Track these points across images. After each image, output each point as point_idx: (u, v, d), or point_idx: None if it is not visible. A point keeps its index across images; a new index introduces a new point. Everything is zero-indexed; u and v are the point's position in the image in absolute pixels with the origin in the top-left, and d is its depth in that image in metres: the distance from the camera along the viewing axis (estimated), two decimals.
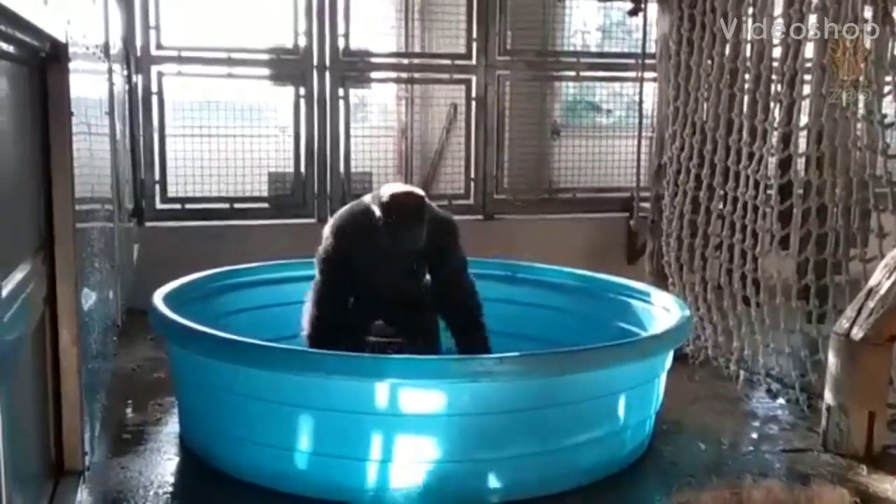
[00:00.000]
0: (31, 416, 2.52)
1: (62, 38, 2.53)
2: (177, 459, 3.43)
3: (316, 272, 3.80)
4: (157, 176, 5.86)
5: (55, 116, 2.65)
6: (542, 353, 3.25)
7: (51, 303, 2.71)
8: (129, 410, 3.94)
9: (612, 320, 4.17)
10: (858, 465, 3.41)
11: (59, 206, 2.69)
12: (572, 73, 6.70)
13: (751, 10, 4.42)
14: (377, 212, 3.55)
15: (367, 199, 3.74)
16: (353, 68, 6.14)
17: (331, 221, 3.82)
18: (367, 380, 2.97)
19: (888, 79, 3.57)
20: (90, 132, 3.27)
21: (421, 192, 3.77)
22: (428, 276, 3.84)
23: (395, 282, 3.76)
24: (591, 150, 6.69)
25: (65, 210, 2.70)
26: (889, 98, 3.55)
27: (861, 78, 3.67)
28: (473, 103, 6.35)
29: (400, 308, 3.84)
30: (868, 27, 3.63)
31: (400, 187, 3.76)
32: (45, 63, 2.59)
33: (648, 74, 5.65)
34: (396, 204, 3.53)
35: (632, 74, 6.31)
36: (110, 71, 4.18)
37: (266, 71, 6.08)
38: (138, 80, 5.72)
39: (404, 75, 6.64)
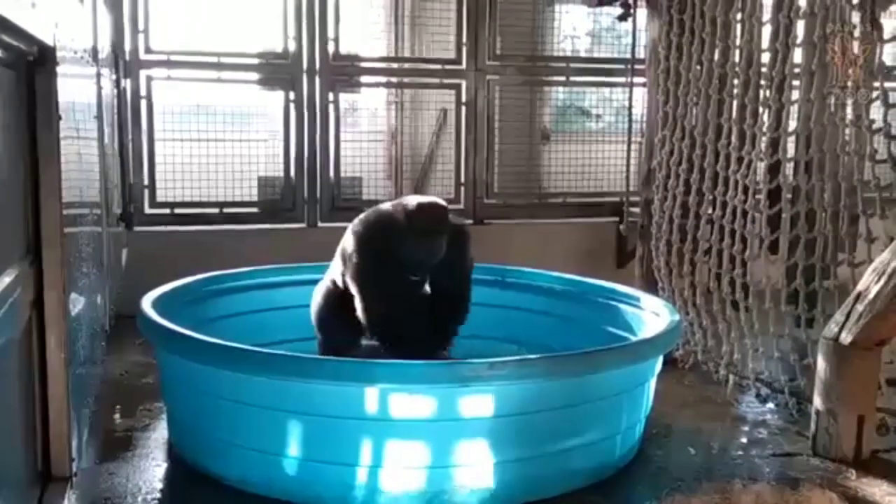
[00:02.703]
0: (18, 422, 2.51)
1: (50, 42, 2.52)
2: (165, 465, 3.41)
3: (357, 289, 3.71)
4: (146, 180, 5.84)
5: (43, 120, 2.63)
6: (532, 358, 3.25)
7: (38, 308, 2.69)
8: (117, 416, 3.92)
9: (601, 325, 4.17)
10: (847, 469, 3.42)
11: (47, 210, 2.67)
12: (562, 78, 6.71)
13: (739, 16, 4.44)
14: (402, 222, 3.55)
15: (386, 207, 3.75)
16: (343, 73, 6.13)
17: (358, 232, 3.75)
18: (356, 384, 2.96)
19: (876, 84, 3.58)
20: (78, 136, 3.25)
21: (444, 202, 3.81)
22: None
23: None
24: (580, 155, 6.70)
25: (52, 214, 2.68)
26: (877, 103, 3.57)
27: (850, 83, 3.68)
28: (463, 108, 6.36)
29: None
30: (857, 33, 3.65)
31: (425, 198, 3.80)
32: (32, 67, 2.57)
33: (638, 79, 5.66)
34: (426, 216, 3.56)
35: (621, 80, 6.32)
36: (99, 75, 4.16)
37: (255, 75, 6.07)
38: (127, 84, 5.71)
39: (394, 80, 6.65)
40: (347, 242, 3.76)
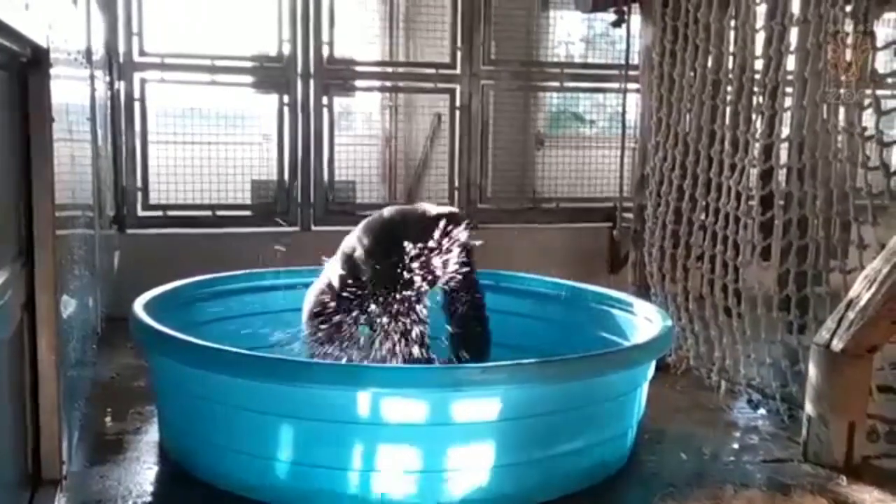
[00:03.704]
0: (8, 425, 2.50)
1: (43, 44, 2.52)
2: (156, 468, 3.40)
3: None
4: (139, 183, 5.84)
5: (36, 122, 2.63)
6: (525, 363, 3.25)
7: (29, 310, 2.68)
8: (108, 419, 3.90)
9: (594, 330, 4.18)
10: (838, 475, 3.43)
11: (39, 212, 2.67)
12: (556, 84, 6.72)
13: (733, 23, 4.45)
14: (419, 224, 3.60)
15: (392, 214, 3.76)
16: (338, 76, 6.14)
17: (376, 226, 3.76)
18: (348, 388, 2.96)
19: (868, 91, 3.60)
20: (71, 138, 3.25)
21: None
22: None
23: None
24: (574, 160, 6.72)
25: (45, 216, 2.67)
26: (869, 111, 3.58)
27: (843, 90, 3.70)
28: (458, 112, 6.37)
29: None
30: (849, 40, 3.66)
31: (441, 207, 3.83)
32: (25, 68, 2.57)
33: (632, 85, 5.68)
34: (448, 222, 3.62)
35: (615, 85, 6.35)
36: (92, 77, 4.16)
37: (250, 78, 6.07)
38: (121, 86, 5.70)
39: (388, 84, 6.65)
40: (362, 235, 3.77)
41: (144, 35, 5.73)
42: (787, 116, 4.17)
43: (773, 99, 4.17)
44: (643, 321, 3.91)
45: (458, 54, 6.30)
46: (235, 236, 5.92)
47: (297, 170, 6.07)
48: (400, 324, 3.70)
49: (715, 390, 4.43)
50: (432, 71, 6.40)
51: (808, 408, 3.58)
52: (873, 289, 3.37)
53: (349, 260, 3.75)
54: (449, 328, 3.91)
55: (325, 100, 6.06)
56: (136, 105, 5.77)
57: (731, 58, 4.47)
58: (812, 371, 3.57)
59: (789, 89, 4.13)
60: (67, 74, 3.12)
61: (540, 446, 3.12)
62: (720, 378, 4.44)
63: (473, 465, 3.04)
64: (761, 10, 4.29)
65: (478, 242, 3.87)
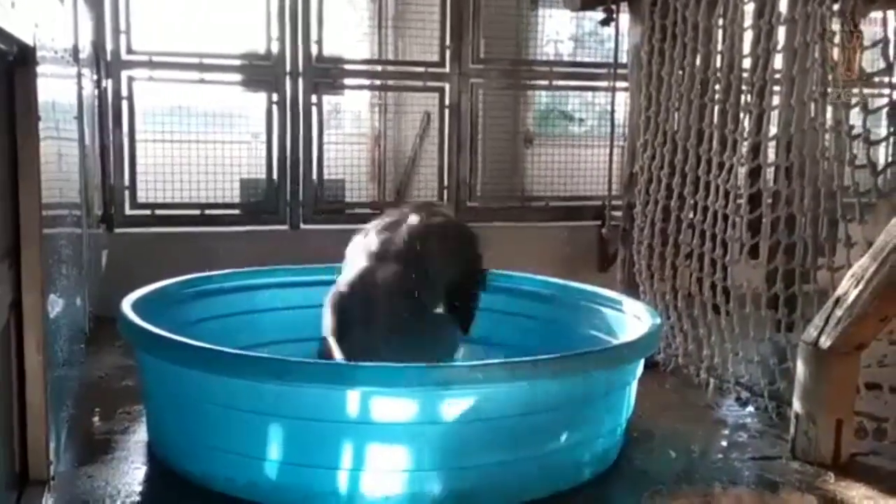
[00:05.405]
0: None
1: (30, 42, 2.50)
2: (144, 468, 3.38)
3: None
4: (126, 182, 5.81)
5: (22, 120, 2.61)
6: (513, 361, 3.25)
7: (16, 309, 2.67)
8: (96, 419, 3.89)
9: (583, 328, 4.19)
10: (826, 472, 3.45)
11: (26, 211, 2.65)
12: (545, 82, 6.73)
13: (721, 21, 4.46)
14: None
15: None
16: (327, 75, 6.12)
17: None
18: (336, 387, 2.95)
19: (855, 90, 3.62)
20: (58, 137, 3.23)
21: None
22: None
23: None
24: (563, 158, 6.73)
25: (31, 215, 2.66)
26: (856, 109, 3.60)
27: (829, 89, 3.71)
28: (447, 111, 6.37)
29: None
30: (836, 39, 3.68)
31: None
32: (11, 66, 2.55)
33: (620, 84, 5.69)
34: None
35: (604, 84, 6.36)
36: (79, 75, 4.14)
37: (238, 77, 6.05)
38: (108, 84, 5.67)
39: (378, 82, 6.64)
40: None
41: (132, 33, 5.70)
42: (774, 115, 4.19)
43: (760, 97, 4.18)
44: (632, 319, 3.92)
45: (447, 53, 6.30)
46: (224, 235, 5.90)
47: (286, 168, 6.06)
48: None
49: (703, 388, 4.45)
50: (421, 69, 6.39)
51: (797, 405, 3.60)
52: (861, 286, 3.39)
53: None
54: None
55: (314, 98, 6.05)
56: (124, 103, 5.74)
57: (719, 56, 4.48)
58: (800, 369, 3.58)
59: (777, 88, 4.15)
60: (54, 73, 3.10)
61: (528, 444, 3.13)
62: (709, 376, 4.45)
63: (462, 463, 3.04)
64: (749, 8, 4.31)
65: None
